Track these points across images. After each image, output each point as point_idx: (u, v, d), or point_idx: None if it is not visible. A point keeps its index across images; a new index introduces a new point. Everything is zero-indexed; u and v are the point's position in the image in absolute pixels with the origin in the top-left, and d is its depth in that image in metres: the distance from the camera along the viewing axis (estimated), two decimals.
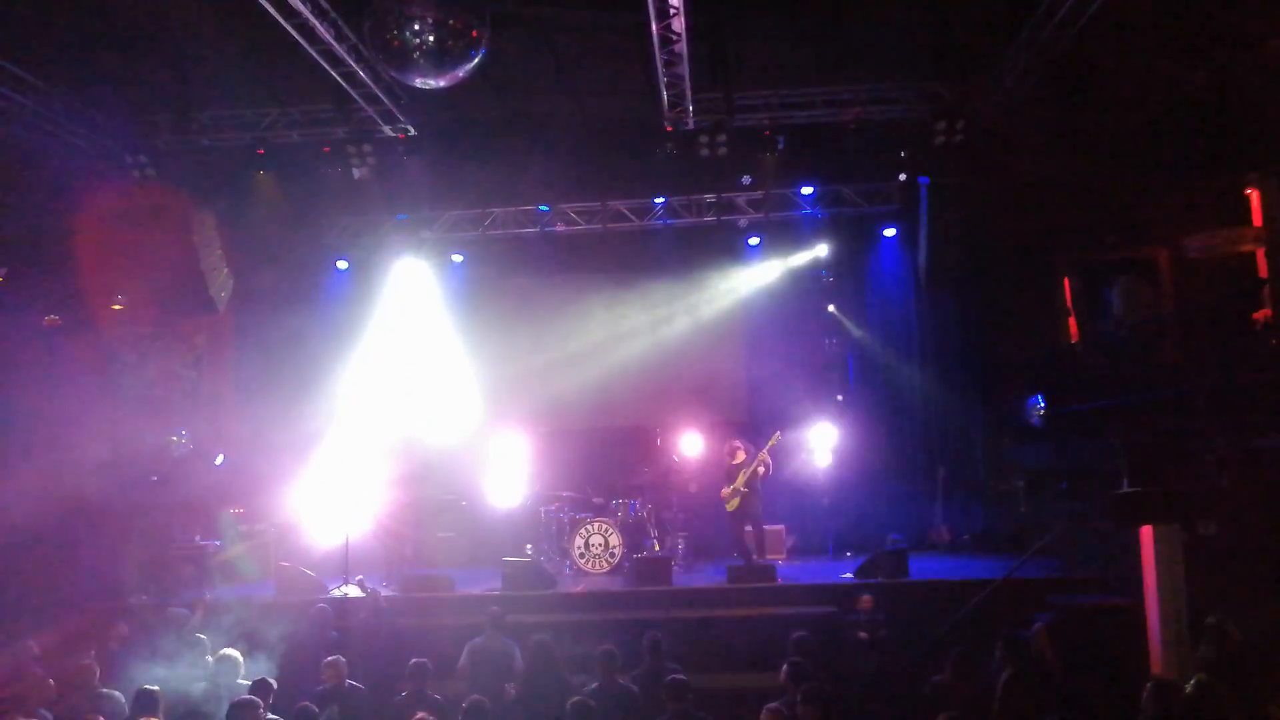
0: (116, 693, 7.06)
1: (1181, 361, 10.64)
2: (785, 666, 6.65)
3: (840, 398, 13.70)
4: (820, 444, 12.99)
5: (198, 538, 12.28)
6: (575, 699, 6.16)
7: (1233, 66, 10.42)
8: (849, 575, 10.79)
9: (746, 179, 12.69)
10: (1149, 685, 6.04)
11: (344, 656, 7.76)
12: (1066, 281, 13.06)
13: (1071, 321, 13.07)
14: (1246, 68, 10.27)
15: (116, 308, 13.94)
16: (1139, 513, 8.23)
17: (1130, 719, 6.13)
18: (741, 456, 11.53)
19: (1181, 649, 8.34)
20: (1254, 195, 12.07)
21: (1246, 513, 8.30)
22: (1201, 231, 12.05)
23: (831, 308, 13.76)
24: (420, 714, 6.04)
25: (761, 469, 11.39)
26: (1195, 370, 10.02)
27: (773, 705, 5.84)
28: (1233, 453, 7.52)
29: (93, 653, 8.38)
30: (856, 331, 13.85)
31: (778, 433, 11.62)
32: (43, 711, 6.87)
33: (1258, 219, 12.00)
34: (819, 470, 13.14)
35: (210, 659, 7.73)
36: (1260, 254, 11.95)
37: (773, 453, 11.49)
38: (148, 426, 13.40)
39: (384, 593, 10.28)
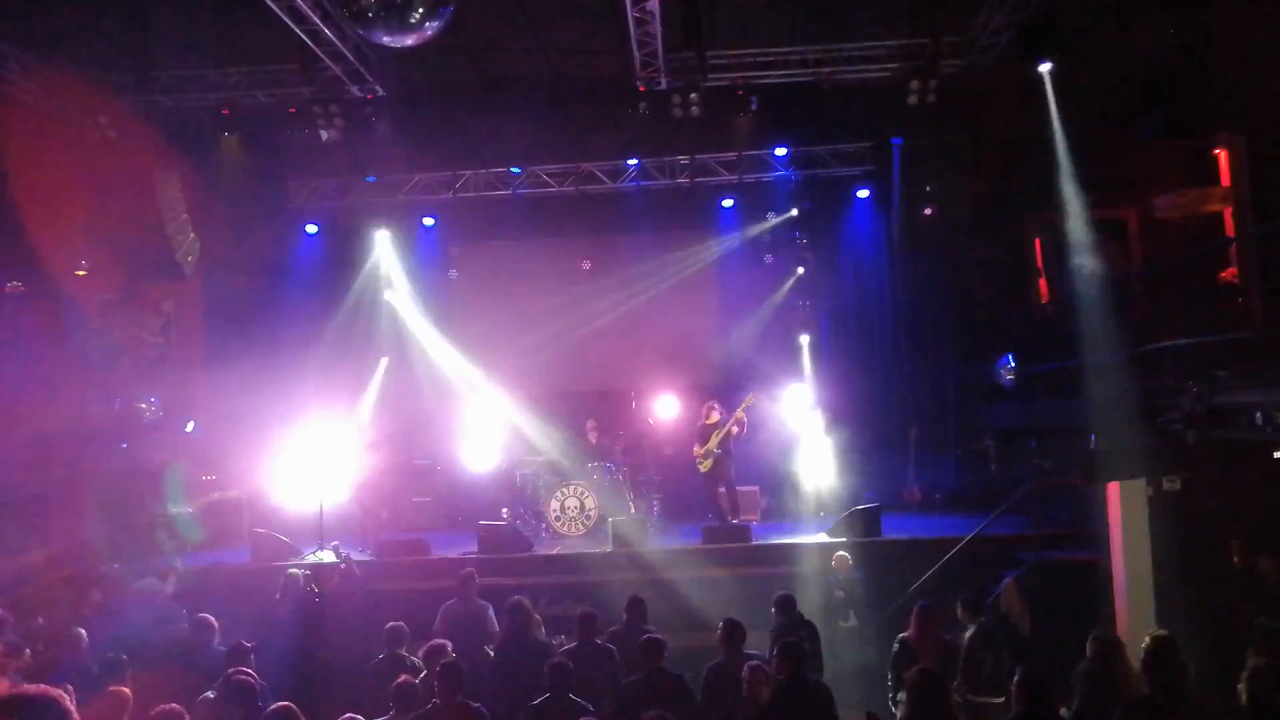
0: None
1: (1149, 320, 10.76)
2: (721, 625, 6.70)
3: (812, 359, 13.76)
4: (793, 405, 13.08)
5: (169, 504, 12.19)
6: (553, 659, 6.20)
7: (1202, 28, 10.46)
8: (823, 534, 10.92)
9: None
10: (1091, 639, 6.20)
11: (326, 623, 7.77)
12: (1038, 242, 13.14)
13: (1042, 282, 13.18)
14: (1216, 29, 10.32)
15: (81, 274, 13.66)
16: (1106, 470, 8.36)
17: None
18: (716, 417, 11.59)
19: (1146, 602, 8.55)
20: (1222, 155, 12.17)
21: (1210, 469, 8.46)
22: (1170, 191, 12.16)
23: (801, 270, 13.77)
24: (403, 676, 6.06)
25: (735, 429, 11.47)
26: (1162, 329, 10.14)
27: (753, 664, 5.90)
28: (1197, 410, 7.62)
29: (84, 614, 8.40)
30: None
31: (751, 395, 11.68)
32: (14, 676, 6.82)
33: (1225, 179, 12.12)
34: (792, 431, 13.23)
35: (185, 625, 7.71)
36: (1227, 213, 12.09)
37: (747, 413, 11.57)
38: (116, 393, 13.23)
39: (359, 557, 10.27)
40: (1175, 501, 8.61)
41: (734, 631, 6.59)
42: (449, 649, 6.63)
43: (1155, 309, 11.19)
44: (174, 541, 11.69)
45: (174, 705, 5.32)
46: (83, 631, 7.67)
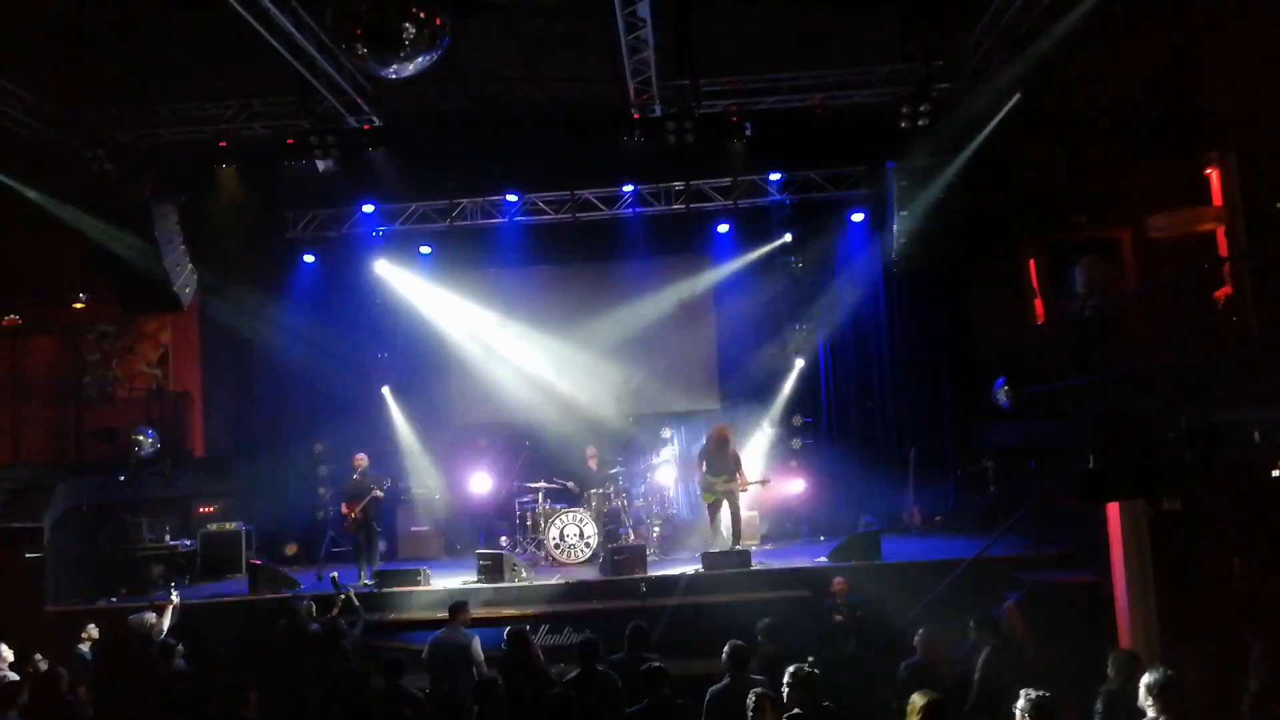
0: None
1: (1145, 339, 10.79)
2: (726, 648, 6.66)
3: (810, 382, 13.79)
4: (792, 428, 13.09)
5: (167, 537, 12.14)
6: (556, 690, 6.16)
7: (1192, 50, 10.55)
8: (823, 559, 10.88)
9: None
10: (1112, 657, 6.17)
11: (315, 650, 7.73)
12: (1032, 263, 13.20)
13: (1038, 302, 13.22)
14: (1205, 51, 10.41)
15: (78, 306, 13.72)
16: (1105, 490, 8.34)
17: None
18: (725, 442, 11.48)
19: (1148, 622, 8.51)
20: (1214, 175, 12.26)
21: (1209, 487, 8.45)
22: (1163, 211, 12.23)
23: (794, 294, 13.83)
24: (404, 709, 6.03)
25: (743, 489, 11.43)
26: (1159, 348, 10.16)
27: (758, 690, 5.86)
28: (1196, 429, 7.62)
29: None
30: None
31: (769, 479, 11.71)
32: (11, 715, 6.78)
33: (1217, 199, 12.20)
34: (790, 455, 13.25)
35: (182, 662, 7.65)
36: (1220, 232, 12.15)
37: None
38: (113, 425, 13.22)
39: (358, 587, 10.22)
40: (1176, 521, 8.59)
41: (739, 655, 6.56)
42: (498, 683, 6.55)
43: (1152, 328, 11.21)
44: (171, 574, 11.62)
45: None
46: (64, 670, 7.62)
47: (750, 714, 5.72)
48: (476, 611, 9.19)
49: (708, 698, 6.41)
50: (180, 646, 7.83)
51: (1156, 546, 8.59)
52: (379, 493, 11.44)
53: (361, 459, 11.72)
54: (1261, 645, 7.20)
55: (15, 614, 10.06)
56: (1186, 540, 8.51)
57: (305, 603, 9.20)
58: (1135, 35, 10.53)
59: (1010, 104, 10.65)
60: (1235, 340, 10.57)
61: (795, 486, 13.01)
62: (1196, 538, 8.51)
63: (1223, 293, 11.39)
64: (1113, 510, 8.95)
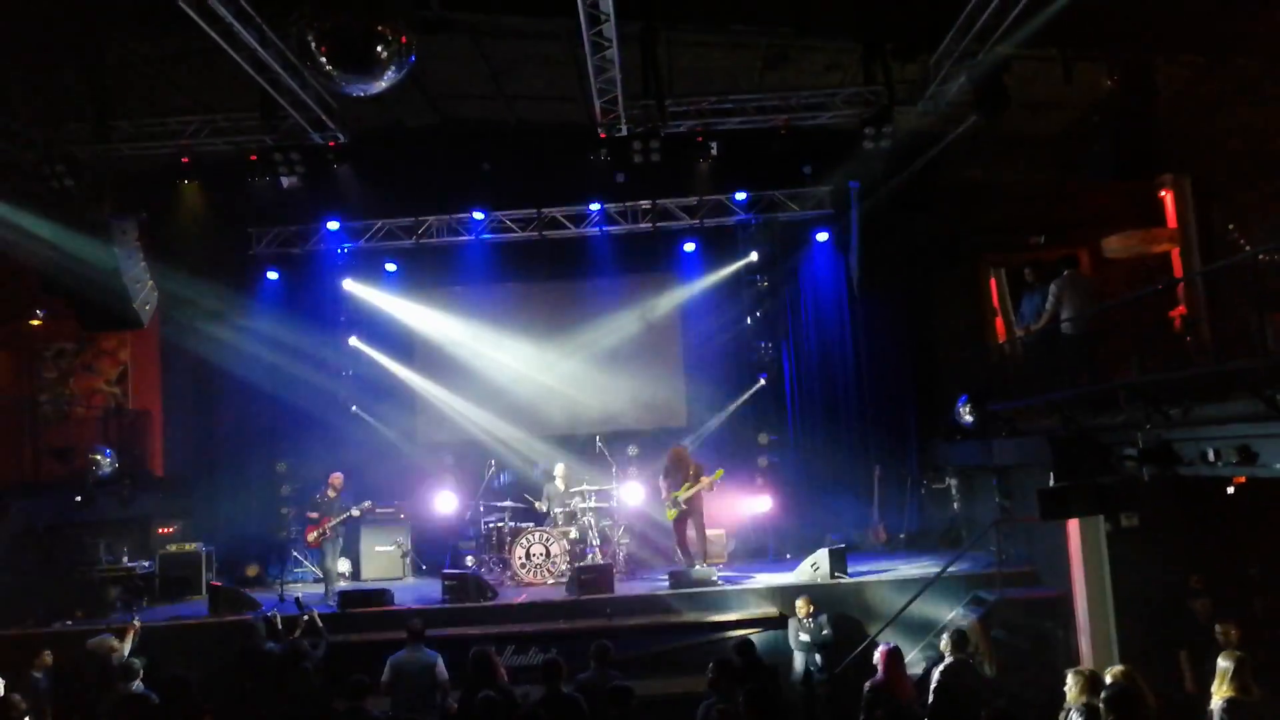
0: None
1: (1103, 359, 10.97)
2: (711, 665, 6.71)
3: (775, 400, 13.87)
4: (757, 446, 13.15)
5: (125, 558, 11.91)
6: (523, 710, 6.13)
7: (1143, 76, 10.79)
8: (789, 577, 10.91)
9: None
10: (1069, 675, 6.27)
11: (281, 674, 7.62)
12: (994, 282, 13.39)
13: (999, 321, 13.40)
14: (1156, 78, 10.66)
15: (35, 322, 13.48)
16: (1065, 507, 8.45)
17: (1060, 706, 6.33)
18: (682, 460, 11.61)
19: (1108, 637, 8.64)
20: (1167, 197, 12.54)
21: (1167, 505, 8.61)
22: (1119, 232, 12.48)
23: (758, 313, 13.93)
24: None
25: (706, 489, 11.53)
26: (1116, 367, 10.33)
27: (722, 707, 5.87)
28: (1152, 446, 7.76)
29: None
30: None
31: (720, 470, 11.72)
32: None
33: (1172, 220, 12.48)
34: (756, 474, 13.30)
35: (141, 685, 7.50)
36: (1175, 253, 12.42)
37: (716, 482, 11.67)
38: (70, 444, 12.96)
39: (321, 609, 10.09)
40: (1134, 537, 8.74)
41: (726, 671, 6.60)
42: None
43: (1109, 347, 11.41)
44: (129, 596, 11.41)
45: None
46: (18, 696, 7.44)
47: None
48: (445, 631, 9.12)
49: (700, 713, 6.44)
50: (140, 671, 7.68)
51: (1115, 562, 8.74)
52: (355, 513, 11.38)
53: (338, 478, 11.64)
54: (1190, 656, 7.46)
55: None
56: (1144, 556, 8.66)
57: (264, 624, 9.09)
58: (1089, 61, 10.76)
59: (968, 126, 10.82)
60: (1190, 359, 10.78)
61: (762, 504, 13.05)
62: (1154, 554, 8.66)
63: (1178, 312, 11.62)
64: (1073, 527, 9.09)
